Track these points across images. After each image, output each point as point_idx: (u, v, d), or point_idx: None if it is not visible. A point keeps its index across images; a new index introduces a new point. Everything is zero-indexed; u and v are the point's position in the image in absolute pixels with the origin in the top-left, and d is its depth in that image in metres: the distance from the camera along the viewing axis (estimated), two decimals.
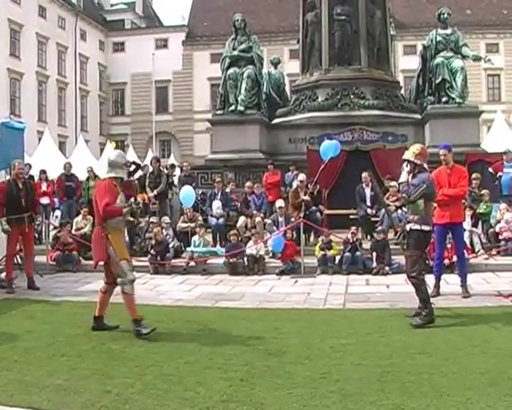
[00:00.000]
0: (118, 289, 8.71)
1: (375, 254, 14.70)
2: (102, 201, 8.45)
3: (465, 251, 12.74)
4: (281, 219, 16.40)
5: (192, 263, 15.50)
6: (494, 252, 15.26)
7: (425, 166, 9.30)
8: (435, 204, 10.61)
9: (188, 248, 15.98)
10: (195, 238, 16.20)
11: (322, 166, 17.20)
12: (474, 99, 30.32)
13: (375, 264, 14.54)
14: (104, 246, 8.55)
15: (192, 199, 17.68)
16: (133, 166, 20.51)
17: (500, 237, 15.63)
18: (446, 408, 5.50)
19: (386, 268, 14.36)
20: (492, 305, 10.34)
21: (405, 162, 9.36)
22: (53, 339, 8.32)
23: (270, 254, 15.92)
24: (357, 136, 21.23)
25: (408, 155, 9.29)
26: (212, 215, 17.94)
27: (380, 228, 15.56)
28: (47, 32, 60.69)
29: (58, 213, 22.70)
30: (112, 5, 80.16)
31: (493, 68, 55.03)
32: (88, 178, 21.63)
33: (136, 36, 72.20)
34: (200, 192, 19.82)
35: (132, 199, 8.74)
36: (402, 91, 26.29)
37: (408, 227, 9.28)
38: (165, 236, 16.35)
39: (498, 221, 16.03)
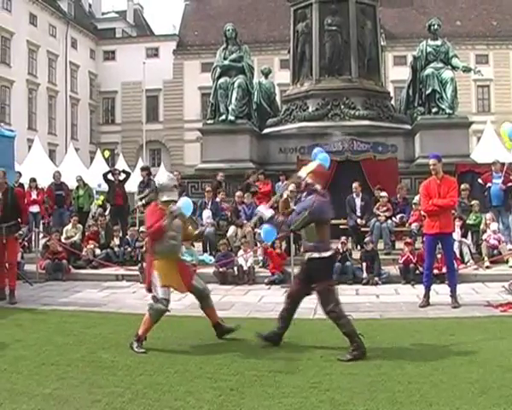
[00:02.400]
0: (213, 298, 8.77)
1: (364, 264, 14.73)
2: (147, 225, 8.51)
3: (455, 261, 12.78)
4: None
5: None
6: (488, 263, 15.30)
7: (316, 187, 8.24)
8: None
9: None
10: (182, 249, 16.17)
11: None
12: (463, 110, 30.54)
13: (364, 274, 14.56)
14: (149, 271, 8.57)
15: (191, 208, 17.64)
16: (123, 175, 20.79)
17: (488, 245, 15.71)
18: None
19: (376, 278, 14.38)
20: (482, 315, 10.36)
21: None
22: (42, 348, 8.28)
23: (260, 264, 15.92)
24: (348, 146, 21.25)
25: (302, 172, 8.48)
26: (202, 225, 17.92)
27: (368, 238, 15.61)
28: (38, 39, 60.69)
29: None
30: (103, 14, 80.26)
31: (483, 79, 55.23)
32: (77, 187, 21.60)
33: (127, 45, 72.29)
34: None
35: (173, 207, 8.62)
36: (392, 102, 26.37)
37: (306, 256, 8.23)
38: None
39: (484, 231, 16.11)
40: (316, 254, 8.02)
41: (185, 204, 8.79)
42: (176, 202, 8.69)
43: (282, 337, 8.41)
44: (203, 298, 8.83)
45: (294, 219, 8.02)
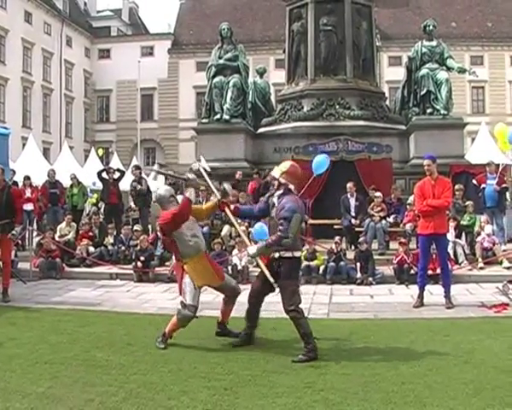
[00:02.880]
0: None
1: (359, 264, 14.74)
2: (168, 219, 8.37)
3: (449, 262, 12.80)
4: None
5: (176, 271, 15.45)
6: (481, 264, 15.33)
7: (291, 187, 8.23)
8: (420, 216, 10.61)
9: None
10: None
11: (310, 180, 17.25)
12: (458, 111, 30.60)
13: (359, 274, 14.59)
14: (180, 279, 8.51)
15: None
16: (118, 174, 20.80)
17: (482, 247, 15.74)
18: None
19: (370, 278, 14.40)
20: (476, 316, 10.39)
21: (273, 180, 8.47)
22: (36, 346, 8.27)
23: (254, 264, 15.91)
24: (342, 146, 21.25)
25: (275, 171, 8.38)
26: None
27: (362, 238, 15.62)
28: (32, 37, 60.54)
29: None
30: (98, 12, 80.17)
31: (478, 81, 55.40)
32: (71, 185, 21.57)
33: (122, 43, 72.22)
34: None
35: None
36: (387, 102, 26.36)
37: (277, 255, 8.10)
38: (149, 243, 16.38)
39: (478, 234, 16.13)
40: (289, 254, 8.02)
41: None
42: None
43: (252, 337, 8.53)
44: (233, 296, 8.84)
45: (285, 226, 7.81)
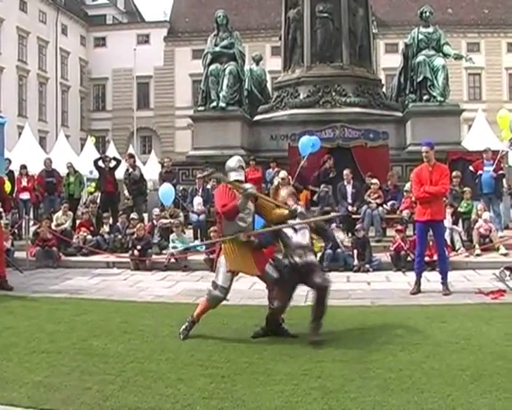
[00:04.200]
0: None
1: (356, 251, 14.74)
2: (220, 204, 8.20)
3: (446, 249, 12.81)
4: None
5: (172, 260, 15.45)
6: (478, 251, 15.34)
7: None
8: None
9: (170, 245, 16.00)
10: (173, 236, 16.20)
11: (302, 163, 17.24)
12: (455, 98, 30.52)
13: (356, 261, 14.58)
14: (216, 256, 8.39)
15: (171, 197, 17.68)
16: (114, 162, 20.77)
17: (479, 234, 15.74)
18: (427, 405, 5.51)
19: (367, 265, 14.41)
20: (473, 302, 10.39)
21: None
22: (33, 335, 8.25)
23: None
24: (339, 133, 21.24)
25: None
26: (193, 212, 17.94)
27: (359, 225, 15.61)
28: (28, 26, 60.38)
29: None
30: (93, 0, 79.76)
31: (474, 67, 55.36)
32: (68, 174, 21.53)
33: (118, 31, 72.06)
34: (181, 188, 19.80)
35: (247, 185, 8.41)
36: (383, 89, 26.36)
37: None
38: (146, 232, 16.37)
39: (475, 220, 16.13)
40: None
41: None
42: (242, 181, 8.49)
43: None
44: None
45: None
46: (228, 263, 8.07)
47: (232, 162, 8.56)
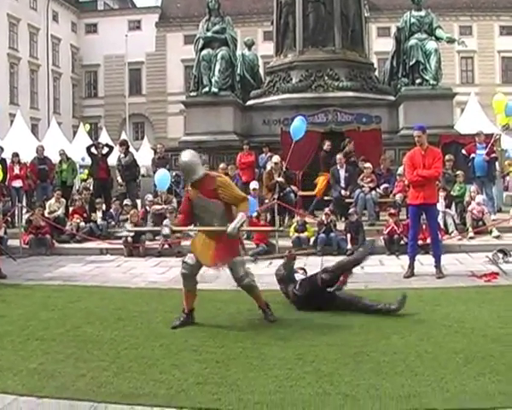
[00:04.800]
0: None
1: (349, 235, 14.76)
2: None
3: (439, 232, 12.83)
4: (254, 200, 16.35)
5: (166, 245, 15.45)
6: (471, 234, 15.39)
7: None
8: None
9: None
10: (166, 222, 16.18)
11: (293, 146, 17.24)
12: (447, 81, 30.56)
13: (349, 245, 14.59)
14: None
15: (167, 182, 17.67)
16: (106, 149, 20.74)
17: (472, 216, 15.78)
18: (421, 388, 5.52)
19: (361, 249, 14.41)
20: (466, 285, 10.40)
21: None
22: (27, 323, 8.24)
23: (245, 236, 15.90)
24: (331, 117, 21.24)
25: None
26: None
27: (352, 209, 15.62)
28: (18, 13, 59.96)
29: None
30: None
31: (467, 51, 55.40)
32: (60, 161, 21.46)
33: (109, 17, 71.75)
34: (174, 174, 19.77)
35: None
36: (376, 73, 26.33)
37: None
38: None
39: (468, 203, 16.15)
40: None
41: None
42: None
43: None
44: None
45: None
46: (191, 244, 8.31)
47: (195, 157, 8.42)
